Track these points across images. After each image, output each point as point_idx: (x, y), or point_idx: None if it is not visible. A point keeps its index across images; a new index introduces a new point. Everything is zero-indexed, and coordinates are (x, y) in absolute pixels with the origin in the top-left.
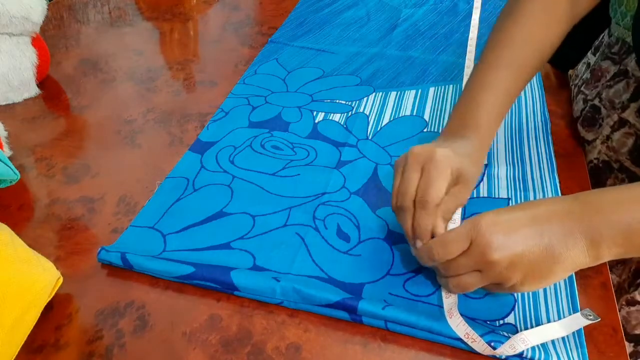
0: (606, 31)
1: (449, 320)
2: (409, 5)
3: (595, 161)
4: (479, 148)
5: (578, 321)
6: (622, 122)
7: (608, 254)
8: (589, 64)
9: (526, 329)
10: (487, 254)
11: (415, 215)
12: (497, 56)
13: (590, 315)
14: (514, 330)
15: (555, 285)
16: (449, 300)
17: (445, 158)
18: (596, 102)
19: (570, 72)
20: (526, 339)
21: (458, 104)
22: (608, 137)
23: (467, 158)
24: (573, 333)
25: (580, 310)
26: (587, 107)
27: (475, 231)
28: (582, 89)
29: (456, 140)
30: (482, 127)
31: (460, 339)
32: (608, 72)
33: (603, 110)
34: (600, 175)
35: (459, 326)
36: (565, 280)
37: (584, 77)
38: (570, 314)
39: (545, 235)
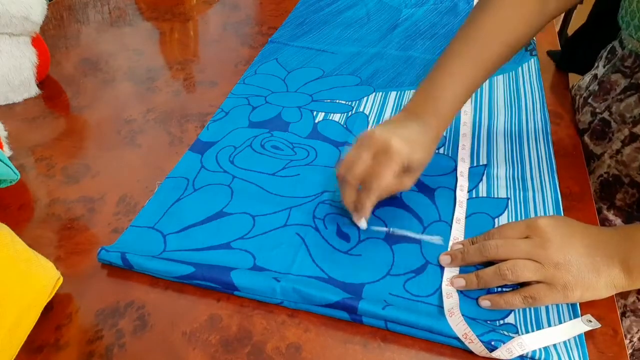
0: (616, 42)
1: (449, 320)
2: (409, 5)
3: (605, 175)
4: (434, 136)
5: (578, 327)
6: (633, 137)
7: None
8: (596, 75)
9: (526, 329)
10: (546, 246)
11: (359, 193)
12: (464, 48)
13: (590, 321)
14: (514, 329)
15: None
16: (451, 300)
17: (399, 150)
18: (606, 115)
19: (573, 83)
20: (524, 344)
21: (422, 85)
22: (618, 152)
23: (419, 147)
24: None
25: (581, 314)
26: (596, 120)
27: (534, 227)
28: (589, 101)
29: (414, 123)
30: (440, 115)
31: (459, 339)
32: (618, 85)
33: (613, 124)
34: (610, 189)
35: (458, 325)
36: None
37: (590, 88)
38: (569, 314)
39: (593, 250)
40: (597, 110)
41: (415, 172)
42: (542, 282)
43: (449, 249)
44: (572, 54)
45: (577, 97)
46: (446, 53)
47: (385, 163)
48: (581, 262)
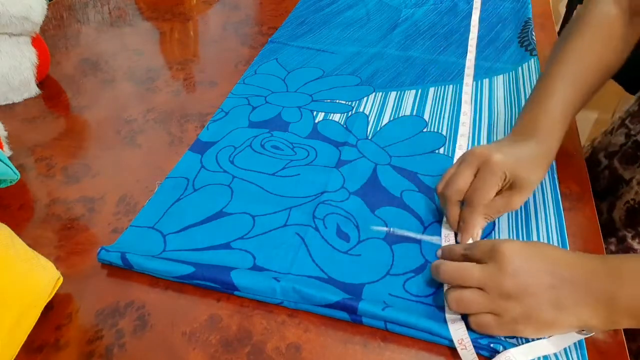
0: None
1: (450, 326)
2: (409, 5)
3: (632, 202)
4: (542, 153)
5: (569, 337)
6: None
7: (621, 323)
8: None
9: None
10: (499, 275)
11: (462, 210)
12: (563, 69)
13: (583, 330)
14: None
15: None
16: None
17: (500, 163)
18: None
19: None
20: (512, 358)
21: (527, 108)
22: None
23: (527, 163)
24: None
25: None
26: (629, 143)
27: (494, 250)
28: (626, 122)
29: (520, 142)
30: (549, 134)
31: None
32: None
33: None
34: (637, 217)
35: (457, 331)
36: None
37: (630, 109)
38: None
39: (559, 282)
40: (632, 132)
41: (524, 190)
42: (493, 312)
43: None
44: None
45: (617, 117)
46: (546, 77)
47: (486, 177)
48: (541, 295)
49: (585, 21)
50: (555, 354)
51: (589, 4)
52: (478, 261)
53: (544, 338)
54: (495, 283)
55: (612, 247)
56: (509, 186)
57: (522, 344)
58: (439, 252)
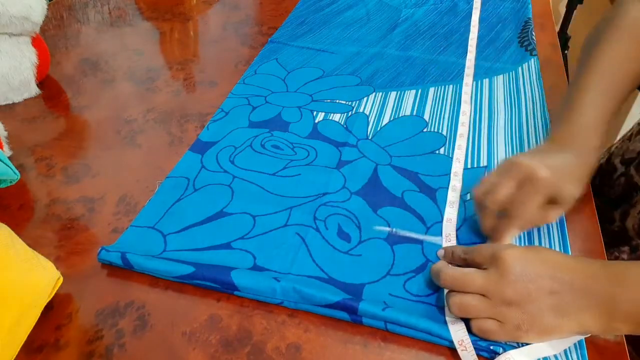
0: None
1: (450, 326)
2: (409, 5)
3: None
4: (583, 166)
5: (570, 339)
6: None
7: (621, 328)
8: None
9: None
10: (500, 281)
11: (499, 221)
12: (594, 79)
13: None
14: None
15: None
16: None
17: (545, 181)
18: None
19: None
20: (512, 358)
21: (564, 115)
22: None
23: (569, 178)
24: None
25: None
26: None
27: (496, 257)
28: None
29: (560, 154)
30: (589, 146)
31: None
32: None
33: None
34: None
35: (458, 332)
36: None
37: None
38: None
39: (560, 287)
40: None
41: (563, 205)
42: (494, 318)
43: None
44: None
45: (635, 125)
46: (580, 84)
47: (529, 192)
48: (542, 301)
49: (617, 25)
50: (555, 355)
51: (618, 8)
52: (478, 265)
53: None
54: (497, 290)
55: (625, 256)
56: (548, 201)
57: (522, 345)
58: (440, 253)
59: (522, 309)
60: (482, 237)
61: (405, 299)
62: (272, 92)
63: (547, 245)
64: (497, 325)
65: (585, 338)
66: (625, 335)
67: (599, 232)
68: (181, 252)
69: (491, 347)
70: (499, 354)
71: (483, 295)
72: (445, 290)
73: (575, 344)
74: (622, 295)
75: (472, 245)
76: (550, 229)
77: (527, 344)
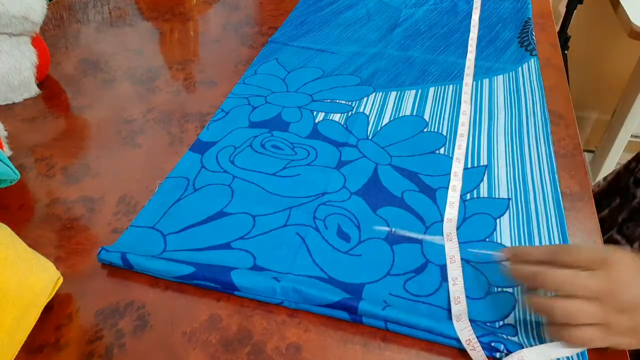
0: None
1: (456, 324)
2: (409, 5)
3: None
4: None
5: None
6: None
7: None
8: None
9: (526, 329)
10: (614, 286)
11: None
12: None
13: None
14: (514, 332)
15: None
16: (459, 307)
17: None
18: None
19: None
20: (524, 358)
21: None
22: None
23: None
24: None
25: None
26: None
27: (605, 257)
28: None
29: None
30: None
31: (458, 340)
32: None
33: None
34: None
35: (463, 331)
36: None
37: None
38: None
39: None
40: None
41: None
42: (602, 324)
43: (446, 248)
44: None
45: None
46: None
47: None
48: None
49: None
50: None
51: None
52: (574, 268)
53: (557, 340)
54: (612, 295)
55: None
56: None
57: (525, 345)
58: (508, 253)
59: (632, 315)
60: (483, 236)
61: (406, 299)
62: (272, 92)
63: (547, 243)
64: (600, 332)
65: None
66: None
67: (599, 232)
68: (181, 252)
69: (492, 344)
70: (499, 350)
71: (594, 300)
72: (452, 298)
73: None
74: None
75: (471, 244)
76: (550, 226)
77: (538, 344)
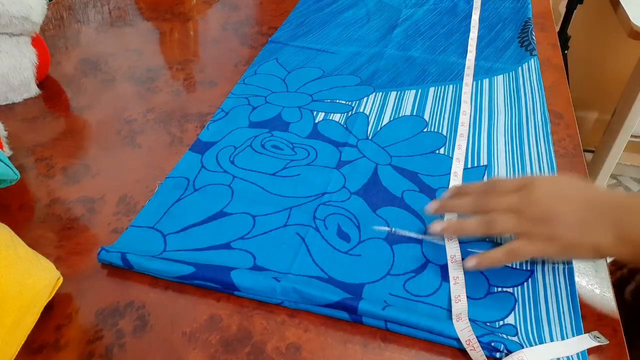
0: None
1: (456, 324)
2: (409, 5)
3: None
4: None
5: (584, 342)
6: None
7: (625, 252)
8: None
9: (526, 329)
10: (531, 199)
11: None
12: None
13: (598, 337)
14: (514, 331)
15: (555, 282)
16: (459, 305)
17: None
18: None
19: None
20: (524, 358)
21: None
22: None
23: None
24: (573, 332)
25: (583, 321)
26: None
27: (528, 181)
28: None
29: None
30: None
31: (458, 340)
32: None
33: None
34: None
35: (463, 331)
36: (565, 279)
37: None
38: (570, 314)
39: (586, 209)
40: None
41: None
42: (524, 234)
43: (447, 247)
44: None
45: None
46: None
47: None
48: (568, 218)
49: None
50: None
51: None
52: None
53: (557, 341)
54: (529, 206)
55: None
56: None
57: (525, 345)
58: (446, 194)
59: (551, 223)
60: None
61: (406, 299)
62: (272, 92)
63: None
64: (527, 241)
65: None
66: (625, 336)
67: None
68: (181, 252)
69: (492, 344)
70: (499, 350)
71: (513, 213)
72: (453, 297)
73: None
74: (629, 218)
75: (471, 244)
76: None
77: (529, 345)
